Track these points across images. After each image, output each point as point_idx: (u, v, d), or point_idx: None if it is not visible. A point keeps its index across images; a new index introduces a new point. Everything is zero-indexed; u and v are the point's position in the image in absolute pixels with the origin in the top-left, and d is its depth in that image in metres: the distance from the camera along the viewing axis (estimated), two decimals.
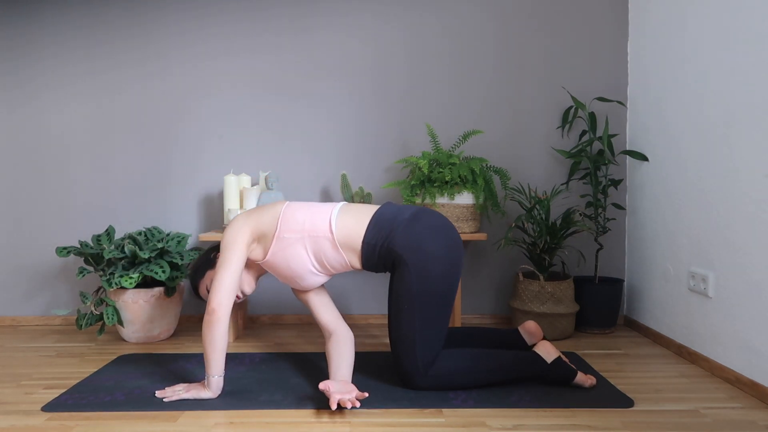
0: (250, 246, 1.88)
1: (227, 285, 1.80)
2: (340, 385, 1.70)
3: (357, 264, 1.88)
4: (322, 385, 1.66)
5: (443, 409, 1.74)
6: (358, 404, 1.65)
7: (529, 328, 2.13)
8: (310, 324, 2.86)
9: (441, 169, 2.51)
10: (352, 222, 1.84)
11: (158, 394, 1.85)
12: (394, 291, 1.84)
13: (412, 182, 2.55)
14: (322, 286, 2.07)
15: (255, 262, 1.96)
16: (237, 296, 1.96)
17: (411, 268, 1.78)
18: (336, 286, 2.89)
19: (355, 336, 2.61)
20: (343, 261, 1.87)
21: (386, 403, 1.78)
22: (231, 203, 2.65)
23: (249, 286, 2.01)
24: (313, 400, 1.81)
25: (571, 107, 2.77)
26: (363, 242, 1.82)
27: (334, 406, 1.63)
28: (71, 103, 2.85)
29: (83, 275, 2.48)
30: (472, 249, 2.87)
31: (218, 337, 1.78)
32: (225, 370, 1.98)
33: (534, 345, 2.10)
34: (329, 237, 1.83)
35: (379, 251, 1.82)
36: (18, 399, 1.86)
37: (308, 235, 1.83)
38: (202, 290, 2.05)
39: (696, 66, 2.22)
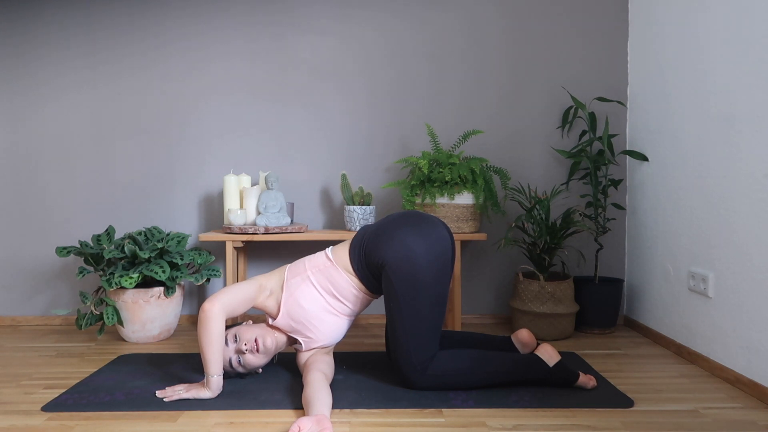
0: (262, 286, 1.96)
1: (231, 293, 1.87)
2: (311, 423, 1.51)
3: (360, 284, 1.95)
4: (293, 427, 1.47)
5: (443, 409, 1.74)
6: None
7: (522, 338, 2.11)
8: None
9: (441, 169, 2.51)
10: (341, 252, 1.99)
11: (158, 393, 1.85)
12: (384, 295, 1.91)
13: (412, 182, 2.55)
14: (332, 355, 2.03)
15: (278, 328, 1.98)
16: (256, 343, 1.91)
17: (387, 268, 1.85)
18: None
19: (355, 336, 2.61)
20: (350, 283, 1.95)
21: (386, 403, 1.78)
22: (231, 203, 2.65)
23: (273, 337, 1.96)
24: None
25: (571, 107, 2.77)
26: (351, 265, 1.95)
27: None
28: (72, 104, 2.85)
29: (83, 275, 2.48)
30: (472, 249, 2.87)
31: (214, 336, 1.79)
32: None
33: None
34: (329, 264, 1.96)
35: (366, 266, 1.93)
36: (18, 399, 1.86)
37: (311, 272, 1.96)
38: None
39: (696, 66, 2.22)
